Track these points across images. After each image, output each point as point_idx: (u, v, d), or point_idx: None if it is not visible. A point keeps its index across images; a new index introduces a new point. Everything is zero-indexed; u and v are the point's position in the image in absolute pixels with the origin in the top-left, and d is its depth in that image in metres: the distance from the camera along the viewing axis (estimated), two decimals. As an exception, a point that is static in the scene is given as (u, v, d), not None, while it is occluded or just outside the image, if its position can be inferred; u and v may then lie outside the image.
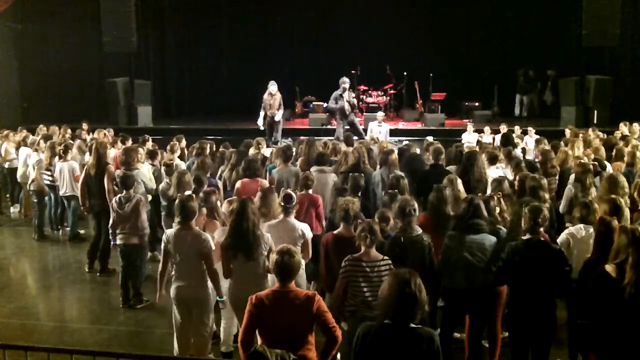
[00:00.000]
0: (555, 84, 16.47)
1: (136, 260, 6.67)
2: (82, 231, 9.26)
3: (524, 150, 10.13)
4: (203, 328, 4.87)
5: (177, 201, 4.90)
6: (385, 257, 4.42)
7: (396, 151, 7.50)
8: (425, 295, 3.11)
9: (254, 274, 4.63)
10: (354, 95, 12.78)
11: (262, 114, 12.87)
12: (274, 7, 18.62)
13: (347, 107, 12.46)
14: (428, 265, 4.74)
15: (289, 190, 5.37)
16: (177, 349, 4.95)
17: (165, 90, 19.18)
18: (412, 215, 4.84)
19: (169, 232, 4.89)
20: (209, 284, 4.84)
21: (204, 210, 5.37)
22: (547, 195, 5.68)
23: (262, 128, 12.95)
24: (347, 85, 12.59)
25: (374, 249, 4.42)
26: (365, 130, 12.82)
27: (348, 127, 12.75)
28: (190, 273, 4.77)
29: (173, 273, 4.87)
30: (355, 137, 11.61)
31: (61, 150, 8.81)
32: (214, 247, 4.81)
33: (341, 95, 12.46)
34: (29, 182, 9.33)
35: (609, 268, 3.87)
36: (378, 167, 7.35)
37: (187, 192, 6.26)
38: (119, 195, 6.66)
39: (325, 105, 16.09)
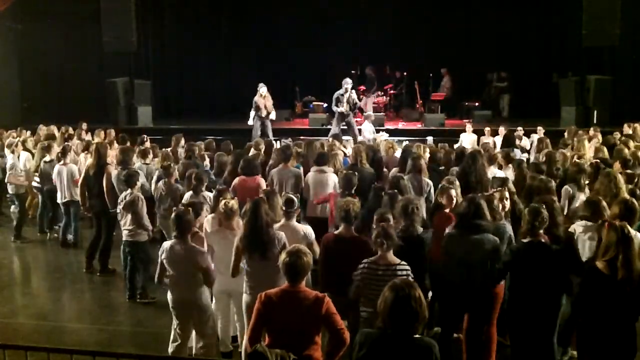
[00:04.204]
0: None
1: (139, 256, 6.72)
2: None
3: (522, 149, 10.12)
4: (206, 333, 4.86)
5: (173, 215, 4.86)
6: (403, 262, 4.36)
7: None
8: (425, 307, 3.07)
9: (269, 273, 4.59)
10: (355, 97, 12.85)
11: (252, 113, 13.08)
12: (274, 7, 18.61)
13: (346, 107, 12.55)
14: (428, 266, 4.73)
15: (290, 194, 5.38)
16: (170, 352, 4.91)
17: (165, 90, 19.16)
18: (414, 214, 4.83)
19: (166, 245, 4.86)
20: (204, 288, 4.85)
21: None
22: (555, 198, 5.63)
23: (250, 123, 13.12)
24: (349, 86, 12.68)
25: (390, 253, 4.37)
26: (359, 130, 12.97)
27: (345, 127, 12.83)
28: (187, 285, 4.75)
29: (169, 284, 4.84)
30: (349, 138, 11.78)
31: (59, 153, 8.62)
32: (211, 263, 4.81)
33: (342, 95, 12.56)
34: (7, 183, 9.25)
35: (599, 264, 3.90)
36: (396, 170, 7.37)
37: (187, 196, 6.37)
38: (123, 193, 6.73)
39: (325, 105, 16.13)
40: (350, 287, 4.46)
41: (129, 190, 6.64)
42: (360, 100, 16.52)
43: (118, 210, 7.20)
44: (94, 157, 7.69)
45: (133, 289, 6.79)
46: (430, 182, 6.75)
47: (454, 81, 16.96)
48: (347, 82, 12.76)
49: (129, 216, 6.60)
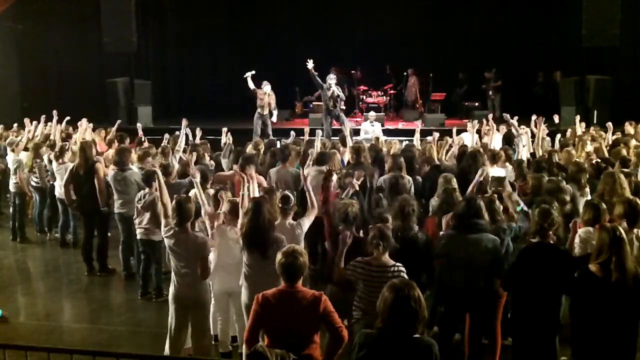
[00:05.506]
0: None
1: (154, 254, 6.72)
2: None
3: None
4: (203, 331, 4.85)
5: (173, 202, 4.86)
6: (398, 264, 4.31)
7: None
8: (425, 307, 3.07)
9: (269, 274, 4.55)
10: (338, 92, 12.87)
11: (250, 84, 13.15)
12: (273, 7, 18.60)
13: (330, 103, 12.65)
14: (426, 265, 4.73)
15: (287, 192, 5.36)
16: (167, 351, 4.90)
17: (165, 90, 19.15)
18: (411, 214, 4.84)
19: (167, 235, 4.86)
20: (206, 285, 4.85)
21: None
22: (567, 198, 5.59)
23: (251, 88, 13.19)
24: (332, 82, 12.75)
25: (386, 255, 4.33)
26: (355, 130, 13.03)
27: (336, 121, 12.91)
28: (189, 275, 4.75)
29: (172, 274, 4.86)
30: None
31: (57, 152, 8.57)
32: (211, 251, 4.81)
33: (328, 89, 12.64)
34: (12, 183, 9.20)
35: (593, 268, 3.87)
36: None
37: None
38: (141, 191, 6.74)
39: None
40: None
41: (147, 189, 6.66)
42: (359, 100, 16.58)
43: (116, 210, 7.22)
44: (81, 157, 7.62)
45: (146, 286, 6.81)
46: (411, 179, 6.70)
47: (422, 82, 16.90)
48: (330, 78, 12.86)
49: (147, 215, 6.60)
